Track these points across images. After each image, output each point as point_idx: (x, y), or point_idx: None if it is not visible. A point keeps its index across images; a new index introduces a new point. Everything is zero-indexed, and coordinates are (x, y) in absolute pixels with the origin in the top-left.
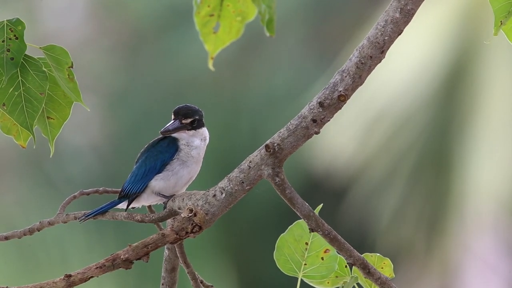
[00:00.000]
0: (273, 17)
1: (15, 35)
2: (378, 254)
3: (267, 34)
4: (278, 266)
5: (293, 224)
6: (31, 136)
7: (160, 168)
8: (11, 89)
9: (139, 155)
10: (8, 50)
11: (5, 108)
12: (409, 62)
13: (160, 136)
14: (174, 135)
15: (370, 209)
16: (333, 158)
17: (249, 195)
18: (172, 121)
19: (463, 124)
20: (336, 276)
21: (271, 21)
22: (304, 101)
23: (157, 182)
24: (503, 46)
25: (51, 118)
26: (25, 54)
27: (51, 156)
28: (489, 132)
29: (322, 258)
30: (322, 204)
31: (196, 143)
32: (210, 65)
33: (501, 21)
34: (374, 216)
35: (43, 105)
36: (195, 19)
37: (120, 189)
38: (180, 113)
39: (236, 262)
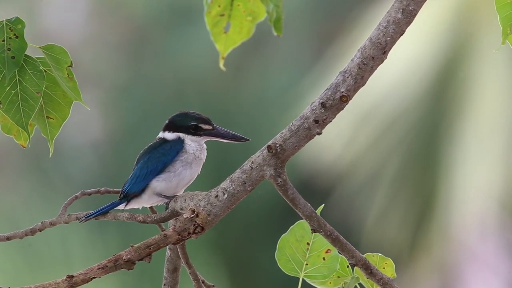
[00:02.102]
0: (280, 16)
1: (15, 34)
2: (380, 254)
3: (275, 33)
4: (279, 266)
5: (295, 224)
6: (27, 136)
7: (161, 169)
8: (8, 87)
9: (139, 156)
10: (9, 49)
11: (1, 107)
12: (399, 60)
13: (159, 138)
14: (174, 137)
15: (357, 208)
16: (319, 156)
17: (250, 195)
18: (211, 129)
19: (452, 123)
20: (338, 276)
21: (279, 20)
22: (304, 101)
23: (159, 183)
24: (493, 45)
25: (51, 118)
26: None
27: (50, 156)
28: (477, 130)
29: (324, 258)
30: (323, 205)
31: (201, 145)
32: (221, 65)
33: (509, 29)
34: (360, 215)
35: (43, 104)
36: (206, 19)
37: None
38: (210, 120)
39: (235, 262)
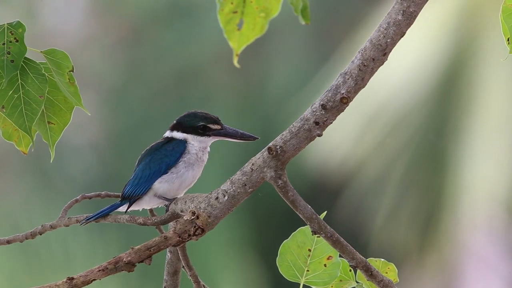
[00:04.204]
0: (307, 4)
1: (15, 38)
2: (382, 260)
3: (302, 22)
4: (280, 272)
5: (296, 230)
6: (31, 140)
7: (165, 170)
8: (11, 91)
9: (140, 157)
10: (9, 53)
11: (4, 111)
12: (405, 61)
13: (165, 138)
14: (182, 138)
15: (365, 208)
16: (327, 157)
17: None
18: (220, 128)
19: (459, 123)
20: (340, 280)
21: (306, 8)
22: (305, 100)
23: (161, 185)
24: (499, 46)
25: (52, 123)
26: (25, 57)
27: (51, 161)
28: (484, 130)
29: (325, 265)
30: (326, 212)
31: (206, 146)
32: (235, 62)
33: None
34: (368, 216)
35: (44, 109)
36: (219, 17)
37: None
38: (219, 119)
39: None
